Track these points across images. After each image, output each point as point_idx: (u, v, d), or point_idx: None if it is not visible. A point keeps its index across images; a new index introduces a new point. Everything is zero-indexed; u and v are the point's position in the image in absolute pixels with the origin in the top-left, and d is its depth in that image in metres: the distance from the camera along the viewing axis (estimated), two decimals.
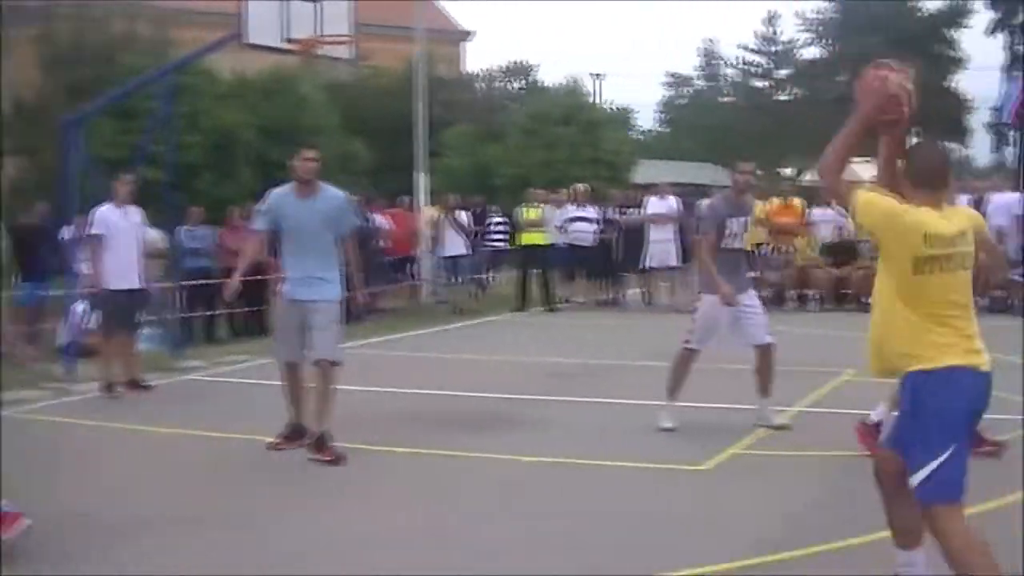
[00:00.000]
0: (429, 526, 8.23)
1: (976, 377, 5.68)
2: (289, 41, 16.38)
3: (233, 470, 10.10)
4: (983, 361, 5.73)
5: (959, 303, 5.72)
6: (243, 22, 15.87)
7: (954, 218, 5.79)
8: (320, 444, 10.09)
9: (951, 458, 5.57)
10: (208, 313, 20.32)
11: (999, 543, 5.99)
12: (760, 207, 24.13)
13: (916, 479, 5.64)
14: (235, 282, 11.12)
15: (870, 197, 5.81)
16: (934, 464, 5.57)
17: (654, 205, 24.82)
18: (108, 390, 14.03)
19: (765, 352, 11.51)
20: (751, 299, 11.65)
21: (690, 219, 25.00)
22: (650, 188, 27.15)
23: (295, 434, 10.53)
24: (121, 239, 14.30)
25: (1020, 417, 10.74)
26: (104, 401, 13.77)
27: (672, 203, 24.74)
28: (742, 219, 11.58)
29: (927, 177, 5.82)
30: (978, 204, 23.46)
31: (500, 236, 28.09)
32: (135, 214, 14.63)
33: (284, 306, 10.75)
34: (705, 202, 12.54)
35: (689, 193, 27.42)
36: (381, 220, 23.93)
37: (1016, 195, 23.75)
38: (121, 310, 14.46)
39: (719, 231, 11.38)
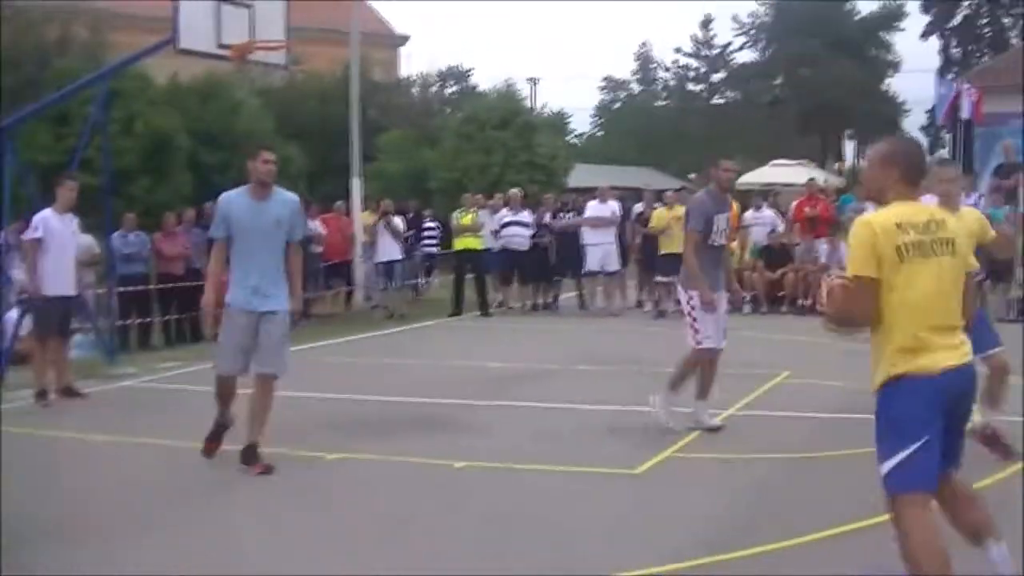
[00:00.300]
0: (360, 531, 8.23)
1: (949, 376, 5.81)
2: (222, 46, 16.33)
3: (168, 477, 10.05)
4: (958, 356, 5.88)
5: (944, 291, 5.89)
6: (176, 27, 15.81)
7: (924, 209, 6.06)
8: (251, 456, 9.98)
9: (920, 450, 5.70)
10: (142, 320, 20.24)
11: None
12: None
13: (884, 468, 5.77)
14: (210, 299, 10.52)
15: (850, 264, 5.97)
16: (902, 455, 5.70)
17: (594, 209, 24.87)
18: (41, 397, 13.94)
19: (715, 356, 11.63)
20: (722, 299, 11.77)
21: (627, 223, 25.14)
22: (585, 192, 27.24)
23: (220, 430, 10.43)
24: (60, 245, 14.24)
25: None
26: (37, 409, 13.69)
27: (613, 206, 24.81)
28: (725, 216, 11.68)
29: (912, 174, 6.07)
30: None
31: (433, 241, 28.13)
32: (72, 221, 14.56)
33: (233, 315, 10.23)
34: (693, 198, 12.51)
35: (625, 197, 27.47)
36: (316, 225, 23.88)
37: None
38: (57, 317, 14.38)
39: (707, 228, 11.42)
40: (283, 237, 10.35)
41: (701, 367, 11.66)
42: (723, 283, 11.85)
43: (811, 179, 27.50)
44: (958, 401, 5.93)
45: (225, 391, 10.42)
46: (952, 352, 5.86)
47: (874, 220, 5.88)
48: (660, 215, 23.45)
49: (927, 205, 6.34)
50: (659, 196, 25.06)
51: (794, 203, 25.38)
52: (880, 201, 6.11)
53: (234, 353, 10.20)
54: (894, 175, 6.02)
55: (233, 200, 10.37)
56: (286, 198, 10.52)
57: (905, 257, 5.78)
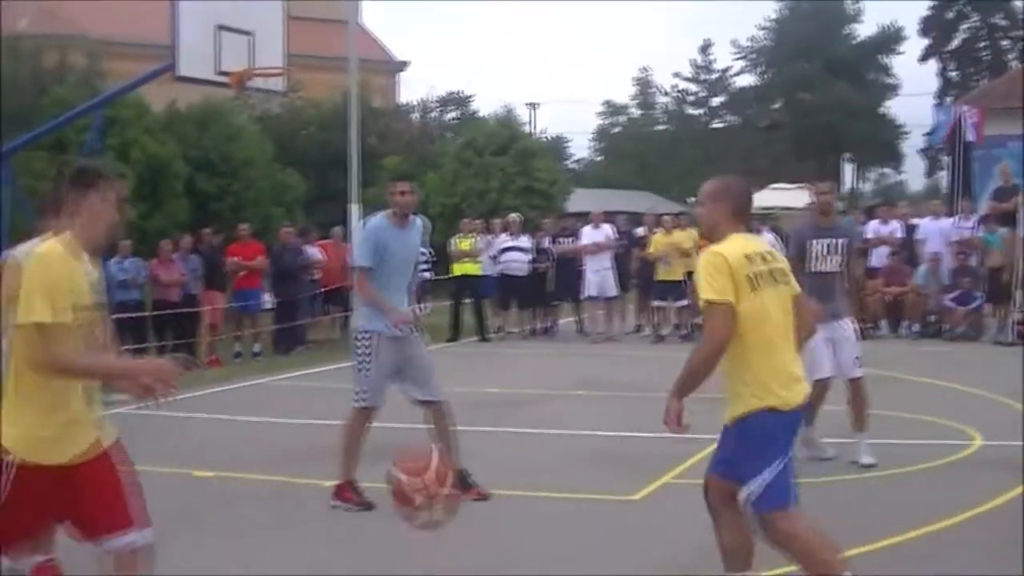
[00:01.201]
0: (355, 558, 8.17)
1: (799, 411, 6.30)
2: (222, 73, 16.30)
3: (164, 505, 9.98)
4: (805, 392, 6.38)
5: (789, 320, 6.30)
6: (176, 55, 15.77)
7: (758, 241, 6.58)
8: (464, 482, 9.36)
9: (784, 469, 6.14)
10: (137, 346, 20.16)
11: None
12: (694, 235, 24.27)
13: (751, 491, 6.13)
14: (405, 316, 9.99)
15: (708, 290, 6.17)
16: (769, 476, 6.10)
17: (588, 235, 24.87)
18: None
19: (855, 385, 11.22)
20: (845, 326, 11.18)
21: (626, 247, 25.12)
22: (585, 217, 27.21)
23: (354, 485, 9.83)
24: None
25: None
26: None
27: (607, 231, 24.78)
28: (829, 241, 11.18)
29: (741, 209, 6.44)
30: (911, 230, 23.77)
31: (426, 266, 28.22)
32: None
33: (381, 343, 9.76)
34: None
35: (622, 222, 27.42)
36: (314, 252, 23.82)
37: (949, 221, 23.97)
38: None
39: (800, 254, 11.11)
40: (415, 261, 10.40)
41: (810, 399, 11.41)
42: (839, 311, 11.27)
43: (811, 203, 27.47)
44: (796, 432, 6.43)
45: (364, 429, 9.95)
46: (802, 386, 6.33)
47: (725, 251, 6.15)
48: (657, 240, 23.49)
49: (756, 237, 6.82)
50: (658, 221, 25.01)
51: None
52: (713, 237, 6.37)
53: (384, 383, 9.86)
54: (726, 211, 6.35)
55: (382, 228, 10.13)
56: (420, 224, 10.51)
57: (757, 287, 6.09)
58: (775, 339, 6.16)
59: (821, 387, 10.56)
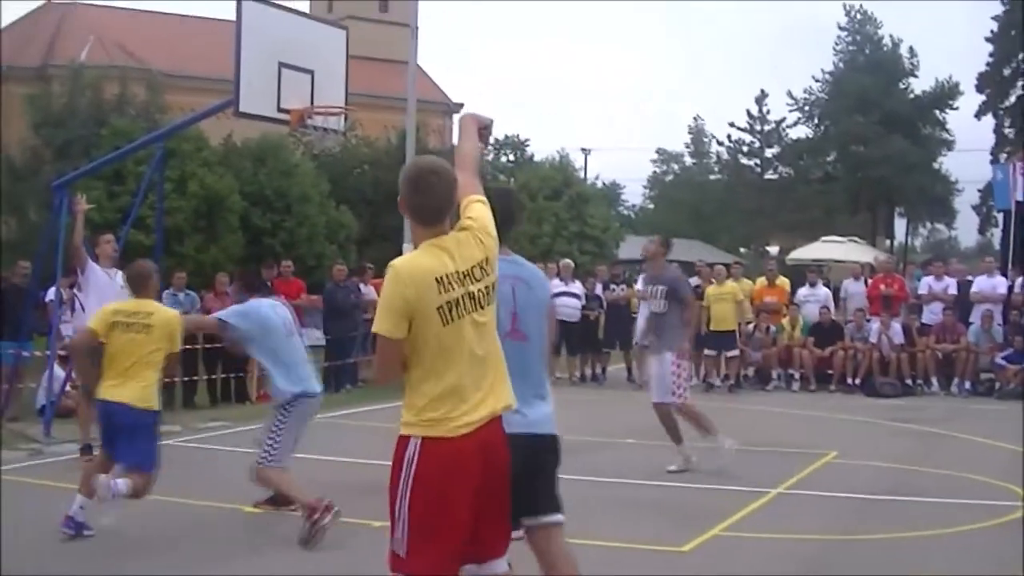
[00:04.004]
0: None
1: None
2: (282, 110, 16.35)
3: (209, 538, 10.00)
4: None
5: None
6: (237, 91, 15.81)
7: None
8: None
9: None
10: (187, 378, 20.22)
11: None
12: (746, 286, 24.26)
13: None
14: None
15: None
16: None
17: (643, 281, 24.87)
18: (85, 453, 13.93)
19: (655, 408, 13.29)
20: (666, 359, 13.26)
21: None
22: (635, 265, 27.22)
23: None
24: (103, 297, 14.28)
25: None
26: (81, 463, 13.67)
27: None
28: (656, 287, 13.05)
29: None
30: (964, 286, 23.63)
31: None
32: (117, 275, 14.61)
33: None
34: None
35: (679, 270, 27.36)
36: (370, 291, 23.86)
37: (1001, 279, 23.83)
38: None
39: (643, 296, 12.25)
40: None
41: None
42: (661, 345, 12.88)
43: (888, 257, 27.59)
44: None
45: None
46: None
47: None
48: (709, 292, 23.51)
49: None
50: (711, 271, 24.98)
51: (851, 280, 25.36)
52: None
53: None
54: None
55: None
56: None
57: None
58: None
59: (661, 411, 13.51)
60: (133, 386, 9.78)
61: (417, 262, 5.38)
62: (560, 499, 6.43)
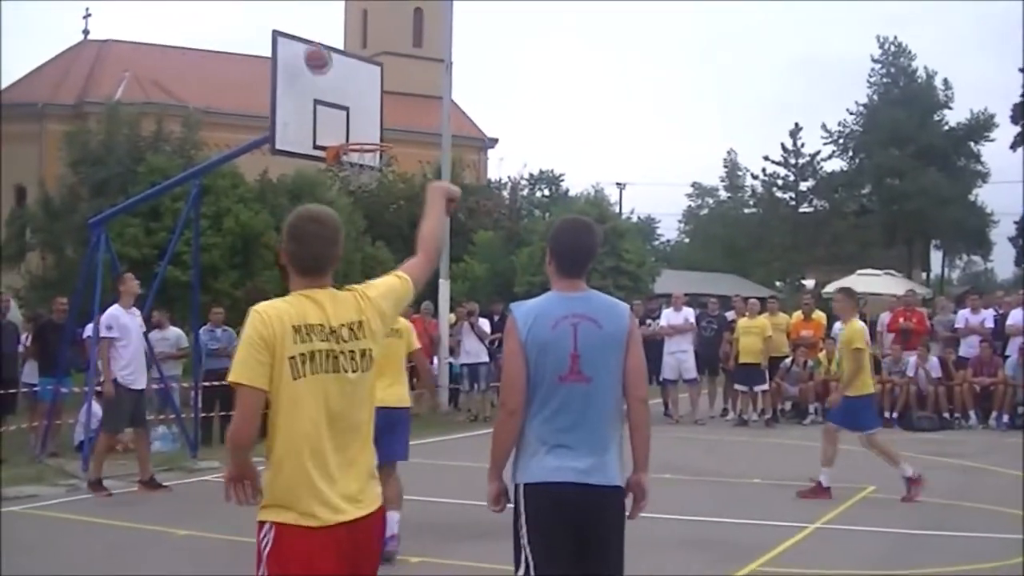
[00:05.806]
0: None
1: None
2: (318, 147, 16.39)
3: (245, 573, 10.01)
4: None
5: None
6: (273, 129, 15.86)
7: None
8: None
9: None
10: (225, 413, 20.26)
11: None
12: (781, 320, 24.22)
13: None
14: None
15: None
16: None
17: (668, 317, 24.98)
18: (96, 487, 14.08)
19: None
20: None
21: (717, 330, 25.08)
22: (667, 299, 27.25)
23: None
24: (131, 340, 14.52)
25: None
26: (118, 500, 13.74)
27: (687, 315, 24.82)
28: None
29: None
30: (1002, 319, 23.48)
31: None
32: (136, 314, 14.85)
33: None
34: None
35: (714, 305, 27.33)
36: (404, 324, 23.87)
37: None
38: (128, 409, 14.53)
39: None
40: None
41: None
42: None
43: (910, 291, 27.48)
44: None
45: None
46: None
47: None
48: (740, 324, 23.55)
49: None
50: (745, 305, 24.99)
51: (888, 314, 25.24)
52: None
53: None
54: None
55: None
56: None
57: None
58: None
59: None
60: None
61: (277, 306, 4.97)
62: (620, 565, 6.10)
